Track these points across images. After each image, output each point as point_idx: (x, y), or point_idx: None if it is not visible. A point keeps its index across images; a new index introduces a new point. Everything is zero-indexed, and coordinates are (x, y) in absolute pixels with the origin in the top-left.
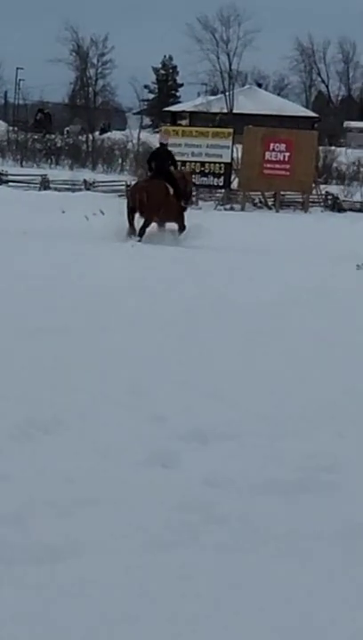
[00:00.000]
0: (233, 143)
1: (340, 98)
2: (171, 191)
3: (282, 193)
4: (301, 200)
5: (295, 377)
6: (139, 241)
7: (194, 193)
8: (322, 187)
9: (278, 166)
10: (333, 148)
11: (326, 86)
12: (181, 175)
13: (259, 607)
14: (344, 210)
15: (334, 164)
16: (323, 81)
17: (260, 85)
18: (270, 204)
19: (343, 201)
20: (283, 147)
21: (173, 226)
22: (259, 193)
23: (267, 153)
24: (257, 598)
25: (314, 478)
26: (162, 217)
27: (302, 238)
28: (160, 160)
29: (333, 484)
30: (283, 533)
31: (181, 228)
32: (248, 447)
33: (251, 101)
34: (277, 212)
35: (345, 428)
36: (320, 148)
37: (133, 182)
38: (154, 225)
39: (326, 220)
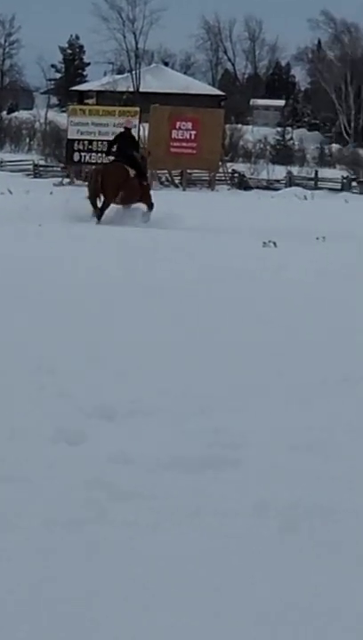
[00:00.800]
0: (140, 122)
1: (246, 76)
2: (131, 173)
3: (189, 171)
4: (207, 178)
5: (202, 354)
6: (97, 223)
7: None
8: (228, 165)
9: (184, 145)
10: (239, 126)
11: (233, 64)
12: (141, 155)
13: (166, 583)
14: (251, 187)
15: (241, 142)
16: (229, 59)
17: (166, 64)
18: (176, 182)
19: (250, 178)
20: (189, 125)
21: (140, 206)
22: (166, 171)
23: (173, 131)
24: (163, 574)
25: (220, 455)
26: (124, 198)
27: (210, 216)
28: (124, 144)
29: (238, 461)
30: (189, 510)
31: (150, 206)
32: (155, 424)
33: (157, 80)
34: (183, 190)
35: (251, 404)
36: (227, 126)
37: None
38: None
39: (233, 198)
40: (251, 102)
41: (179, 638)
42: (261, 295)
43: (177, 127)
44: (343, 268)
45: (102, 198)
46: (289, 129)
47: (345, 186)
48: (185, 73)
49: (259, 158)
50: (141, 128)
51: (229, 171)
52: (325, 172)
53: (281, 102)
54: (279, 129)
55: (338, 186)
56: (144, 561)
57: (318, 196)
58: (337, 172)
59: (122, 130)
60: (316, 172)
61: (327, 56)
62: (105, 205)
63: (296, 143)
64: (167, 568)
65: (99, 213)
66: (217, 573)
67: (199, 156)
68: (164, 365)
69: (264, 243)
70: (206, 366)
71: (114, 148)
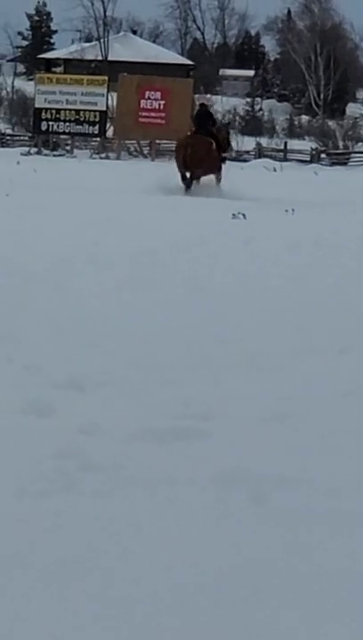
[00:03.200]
0: (108, 91)
1: (215, 45)
2: (214, 145)
3: (158, 141)
4: None
5: (170, 325)
6: (187, 190)
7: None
8: None
9: (153, 115)
10: (208, 96)
11: (202, 33)
12: (218, 128)
13: (134, 553)
14: None
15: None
16: (198, 28)
17: (135, 32)
18: (145, 152)
19: None
20: (158, 95)
21: (211, 178)
22: (134, 141)
23: (142, 101)
24: (132, 543)
25: (190, 426)
26: (206, 169)
27: (179, 187)
28: (203, 119)
29: (207, 432)
30: (159, 480)
31: (219, 179)
32: (124, 395)
33: (126, 49)
34: (152, 160)
35: (219, 375)
36: (196, 96)
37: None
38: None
39: None
40: (220, 72)
41: (143, 609)
42: (227, 267)
43: (146, 97)
44: (312, 240)
45: (188, 168)
46: (259, 99)
47: (314, 158)
48: (154, 42)
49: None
50: (110, 97)
51: None
52: (294, 144)
53: (250, 72)
54: (249, 99)
55: (307, 158)
56: (112, 529)
57: (288, 168)
58: (306, 144)
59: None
60: (285, 144)
61: (297, 26)
62: (194, 175)
63: (266, 114)
64: (136, 537)
65: (188, 183)
66: (186, 542)
67: (168, 126)
68: (133, 336)
69: (234, 214)
70: (176, 337)
71: (196, 124)
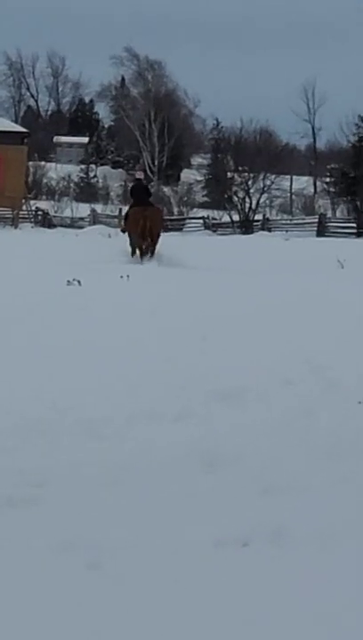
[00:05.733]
0: None
1: (49, 112)
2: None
3: None
4: (10, 216)
5: (3, 393)
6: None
7: None
8: (32, 202)
9: None
10: (43, 163)
11: (36, 101)
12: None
13: None
14: (55, 225)
15: (44, 180)
16: (32, 95)
17: None
18: None
19: (54, 216)
20: None
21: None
22: None
23: None
24: None
25: (24, 494)
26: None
27: (12, 255)
28: (140, 192)
29: (43, 499)
30: None
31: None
32: None
33: None
34: None
35: (54, 442)
36: (30, 163)
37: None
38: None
39: (37, 236)
40: (54, 139)
41: None
42: (61, 333)
43: None
44: (144, 305)
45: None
46: (93, 166)
47: None
48: None
49: (63, 196)
50: None
51: (33, 208)
52: None
53: (85, 139)
54: (83, 166)
55: None
56: None
57: (123, 234)
58: None
59: (135, 180)
60: (120, 210)
61: (131, 93)
62: (150, 246)
63: (100, 180)
64: None
65: (144, 254)
66: (21, 610)
67: (2, 193)
68: None
69: (69, 281)
70: (9, 405)
71: (135, 198)
